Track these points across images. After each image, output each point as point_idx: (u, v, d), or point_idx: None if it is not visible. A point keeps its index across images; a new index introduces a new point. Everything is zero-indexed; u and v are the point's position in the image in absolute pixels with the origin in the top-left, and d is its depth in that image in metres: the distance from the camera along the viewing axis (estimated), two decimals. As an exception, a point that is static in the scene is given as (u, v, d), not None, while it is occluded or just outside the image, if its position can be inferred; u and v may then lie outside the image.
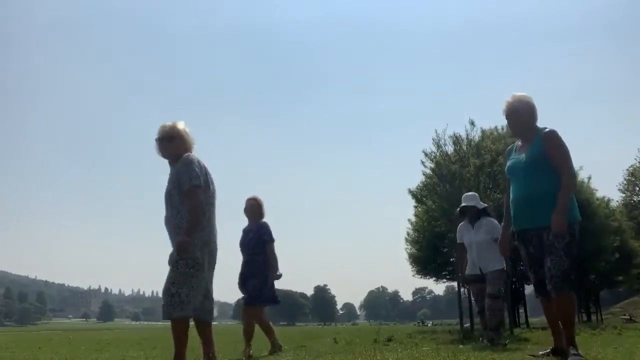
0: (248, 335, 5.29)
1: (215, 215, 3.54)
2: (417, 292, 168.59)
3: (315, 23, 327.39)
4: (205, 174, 3.48)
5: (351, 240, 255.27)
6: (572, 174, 3.46)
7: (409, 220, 23.07)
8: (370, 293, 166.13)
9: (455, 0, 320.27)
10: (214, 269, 3.54)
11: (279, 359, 4.68)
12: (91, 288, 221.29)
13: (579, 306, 33.47)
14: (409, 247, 23.36)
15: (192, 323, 3.55)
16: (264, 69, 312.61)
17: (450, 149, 14.93)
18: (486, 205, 6.21)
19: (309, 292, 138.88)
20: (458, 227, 6.15)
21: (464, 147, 14.45)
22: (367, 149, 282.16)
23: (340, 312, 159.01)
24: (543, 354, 3.58)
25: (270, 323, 5.46)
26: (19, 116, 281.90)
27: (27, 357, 6.24)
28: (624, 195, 29.33)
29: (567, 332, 3.31)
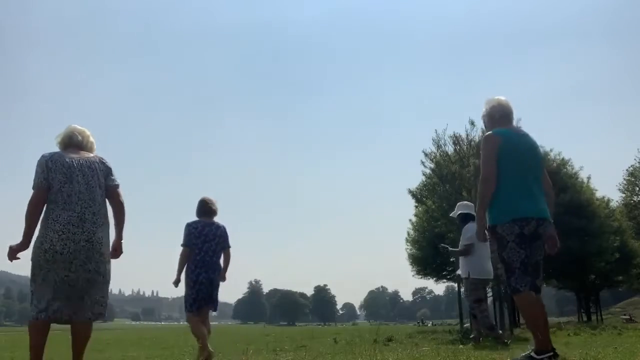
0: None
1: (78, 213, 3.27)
2: (417, 292, 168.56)
3: (316, 23, 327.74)
4: (54, 171, 3.28)
5: (351, 240, 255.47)
6: (482, 179, 3.43)
7: (409, 220, 23.09)
8: (370, 293, 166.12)
9: (455, 0, 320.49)
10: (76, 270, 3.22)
11: (279, 359, 4.68)
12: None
13: (579, 306, 33.48)
14: (409, 247, 23.37)
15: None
16: (263, 70, 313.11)
17: (450, 149, 14.94)
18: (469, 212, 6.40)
19: (309, 292, 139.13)
20: (467, 227, 6.50)
21: (464, 147, 14.45)
22: (367, 148, 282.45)
23: (340, 312, 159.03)
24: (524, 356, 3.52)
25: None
26: (18, 116, 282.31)
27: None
28: (624, 195, 29.32)
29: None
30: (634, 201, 28.82)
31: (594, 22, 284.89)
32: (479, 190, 3.43)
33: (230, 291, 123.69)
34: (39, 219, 3.23)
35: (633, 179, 28.90)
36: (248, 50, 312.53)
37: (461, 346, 5.17)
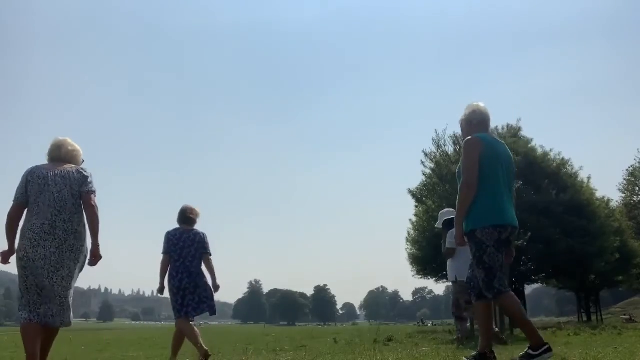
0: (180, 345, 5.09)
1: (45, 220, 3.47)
2: (417, 292, 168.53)
3: (316, 23, 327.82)
4: (31, 183, 3.55)
5: (351, 240, 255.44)
6: (463, 183, 3.43)
7: (409, 220, 23.08)
8: (370, 293, 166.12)
9: (455, 0, 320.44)
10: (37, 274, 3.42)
11: (279, 359, 4.68)
12: (91, 288, 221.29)
13: (579, 306, 33.50)
14: (409, 247, 23.36)
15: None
16: (263, 70, 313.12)
17: (450, 149, 14.94)
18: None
19: (309, 292, 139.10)
20: (450, 232, 6.79)
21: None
22: (367, 148, 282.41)
23: (340, 312, 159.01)
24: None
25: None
26: (18, 116, 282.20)
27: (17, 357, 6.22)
28: (623, 195, 29.33)
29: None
30: (634, 201, 28.84)
31: (594, 23, 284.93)
32: (461, 196, 3.43)
33: (230, 291, 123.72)
34: (16, 229, 3.49)
35: (633, 179, 28.91)
36: (248, 51, 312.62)
37: (461, 346, 5.17)
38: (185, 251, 4.92)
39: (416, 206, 20.39)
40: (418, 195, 17.03)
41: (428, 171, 15.86)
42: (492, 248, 3.34)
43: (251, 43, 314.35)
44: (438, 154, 15.10)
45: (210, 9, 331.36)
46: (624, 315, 39.30)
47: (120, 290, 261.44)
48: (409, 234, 23.35)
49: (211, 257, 5.04)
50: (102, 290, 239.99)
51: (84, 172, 3.65)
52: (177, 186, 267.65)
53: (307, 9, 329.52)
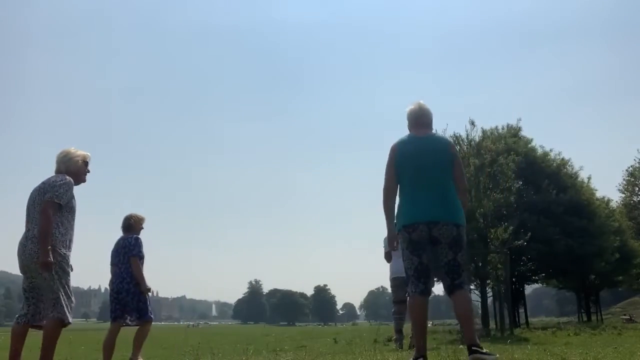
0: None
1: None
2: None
3: (317, 23, 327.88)
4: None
5: (351, 240, 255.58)
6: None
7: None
8: (370, 293, 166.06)
9: (455, 1, 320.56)
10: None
11: (279, 359, 4.68)
12: (91, 288, 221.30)
13: (579, 306, 33.48)
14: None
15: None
16: (263, 70, 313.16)
17: (450, 149, 14.93)
18: None
19: (309, 292, 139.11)
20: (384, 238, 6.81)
21: (464, 147, 14.44)
22: (367, 148, 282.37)
23: (340, 312, 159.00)
24: None
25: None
26: (19, 116, 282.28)
27: (27, 357, 6.23)
28: (623, 195, 29.33)
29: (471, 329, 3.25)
30: (634, 201, 28.83)
31: (594, 23, 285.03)
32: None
33: (230, 291, 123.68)
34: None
35: (633, 179, 28.90)
36: (247, 51, 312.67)
37: (461, 346, 5.17)
38: (117, 258, 5.05)
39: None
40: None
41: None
42: (406, 251, 3.34)
43: (250, 43, 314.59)
44: (438, 154, 15.10)
45: (209, 9, 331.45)
46: (624, 315, 39.29)
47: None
48: (409, 234, 23.36)
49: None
50: (102, 290, 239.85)
51: (52, 182, 3.76)
52: (176, 186, 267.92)
53: (308, 10, 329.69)
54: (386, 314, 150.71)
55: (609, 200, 25.63)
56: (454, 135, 14.82)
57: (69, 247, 3.74)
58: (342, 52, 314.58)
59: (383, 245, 6.43)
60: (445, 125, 14.97)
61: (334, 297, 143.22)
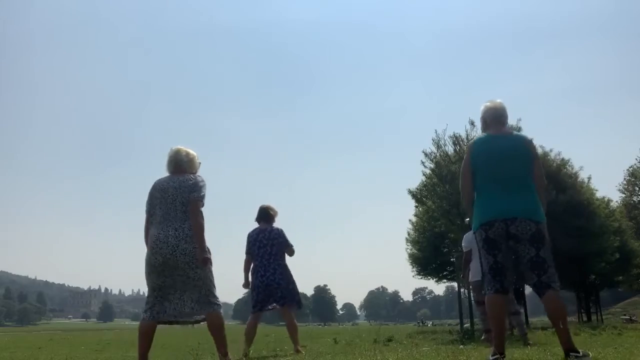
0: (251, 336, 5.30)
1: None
2: (417, 292, 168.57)
3: (317, 23, 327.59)
4: (151, 196, 4.01)
5: (351, 240, 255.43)
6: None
7: (409, 220, 23.07)
8: (370, 293, 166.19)
9: (455, 1, 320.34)
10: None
11: (279, 359, 4.68)
12: (91, 288, 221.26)
13: (579, 306, 33.46)
14: (410, 247, 23.35)
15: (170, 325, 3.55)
16: (263, 70, 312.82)
17: (450, 149, 14.93)
18: None
19: (309, 292, 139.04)
20: (465, 236, 6.61)
21: (464, 147, 14.44)
22: (367, 149, 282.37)
23: (340, 312, 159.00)
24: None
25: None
26: (19, 116, 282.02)
27: (27, 358, 6.24)
28: (623, 195, 29.33)
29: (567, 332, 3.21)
30: (634, 201, 28.84)
31: (594, 23, 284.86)
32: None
33: (230, 291, 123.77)
34: (146, 235, 3.97)
35: (633, 179, 28.91)
36: (247, 50, 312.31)
37: (461, 346, 5.17)
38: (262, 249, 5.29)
39: (416, 206, 20.37)
40: (418, 196, 17.01)
41: (428, 171, 15.84)
42: (482, 250, 3.35)
43: (250, 43, 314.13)
44: (438, 154, 15.09)
45: (209, 9, 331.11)
46: (624, 315, 39.33)
47: (120, 290, 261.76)
48: (409, 234, 23.34)
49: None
50: (102, 290, 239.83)
51: (192, 181, 3.84)
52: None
53: (308, 10, 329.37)
54: (386, 314, 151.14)
55: (609, 200, 25.61)
56: (454, 135, 14.83)
57: None
58: (346, 51, 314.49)
59: (463, 244, 6.53)
60: (445, 125, 15.04)
61: (334, 297, 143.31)
